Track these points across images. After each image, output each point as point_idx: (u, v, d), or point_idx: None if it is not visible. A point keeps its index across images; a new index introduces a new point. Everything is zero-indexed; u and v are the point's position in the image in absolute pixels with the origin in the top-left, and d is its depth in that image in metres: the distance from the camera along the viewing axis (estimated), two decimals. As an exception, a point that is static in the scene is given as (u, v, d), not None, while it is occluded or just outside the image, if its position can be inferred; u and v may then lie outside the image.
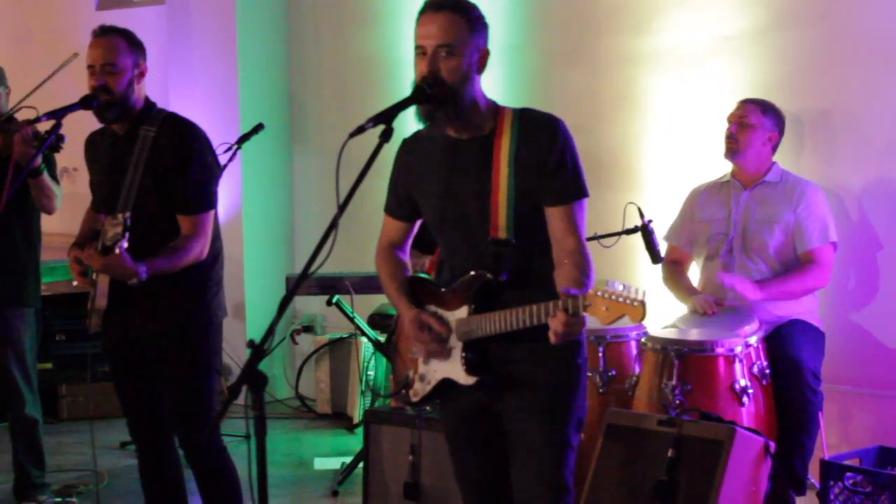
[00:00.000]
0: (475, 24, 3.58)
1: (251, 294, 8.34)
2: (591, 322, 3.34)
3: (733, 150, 5.66)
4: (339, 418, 7.95)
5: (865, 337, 5.95)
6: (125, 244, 4.31)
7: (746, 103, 5.71)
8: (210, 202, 4.65)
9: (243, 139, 7.05)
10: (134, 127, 4.62)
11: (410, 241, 3.96)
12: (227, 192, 8.02)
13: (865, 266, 5.96)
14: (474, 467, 3.84)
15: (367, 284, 6.63)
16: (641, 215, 5.42)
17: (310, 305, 8.33)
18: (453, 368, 3.67)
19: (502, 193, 3.58)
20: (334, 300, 6.56)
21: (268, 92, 8.50)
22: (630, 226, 5.46)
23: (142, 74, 4.66)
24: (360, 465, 5.82)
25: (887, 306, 5.91)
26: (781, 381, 5.25)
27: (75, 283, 4.77)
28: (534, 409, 3.63)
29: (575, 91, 6.99)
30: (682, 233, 5.87)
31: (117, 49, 4.58)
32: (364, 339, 7.12)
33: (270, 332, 3.12)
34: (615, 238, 5.49)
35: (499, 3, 7.17)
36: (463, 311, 3.65)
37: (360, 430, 6.65)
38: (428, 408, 4.32)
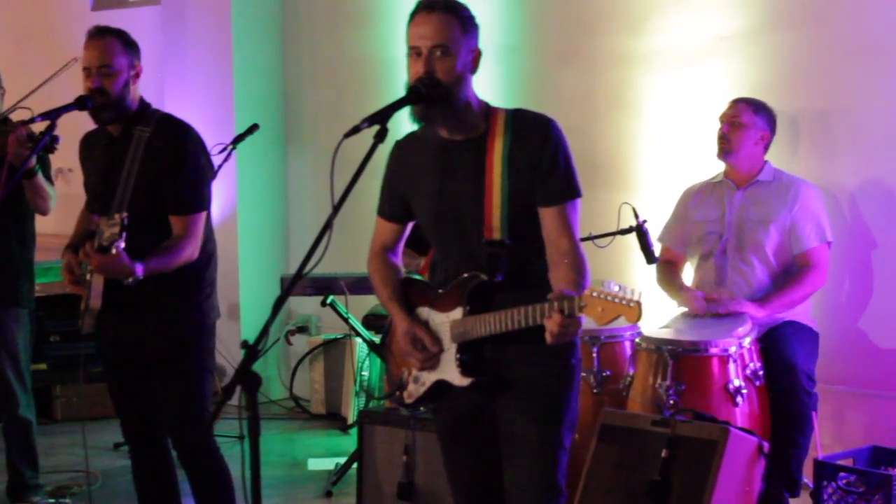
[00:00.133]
0: (468, 24, 3.59)
1: (246, 295, 8.33)
2: (587, 322, 3.34)
3: (726, 150, 5.66)
4: (333, 419, 7.94)
5: (859, 337, 5.96)
6: (122, 244, 4.30)
7: (738, 103, 5.70)
8: (202, 203, 4.65)
9: (238, 140, 7.04)
10: (129, 127, 4.63)
11: (403, 244, 3.96)
12: (222, 192, 8.02)
13: (860, 266, 5.96)
14: (467, 468, 3.84)
15: (361, 285, 6.63)
16: (636, 215, 5.42)
17: (304, 306, 8.32)
18: (448, 370, 3.67)
19: (496, 194, 3.58)
20: (329, 301, 6.55)
21: (263, 92, 8.50)
22: (625, 226, 5.47)
23: (137, 75, 4.66)
24: (355, 465, 5.81)
25: (882, 306, 5.91)
26: (776, 382, 5.25)
27: (67, 289, 4.77)
28: (527, 410, 3.63)
29: (570, 91, 6.99)
30: (676, 233, 5.87)
31: (113, 51, 4.58)
32: (358, 340, 7.11)
33: (264, 332, 3.12)
34: (610, 238, 5.49)
35: (494, 3, 7.17)
36: (457, 313, 3.65)
37: (354, 431, 6.66)
38: (422, 409, 4.31)
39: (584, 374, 5.27)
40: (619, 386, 5.36)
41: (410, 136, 3.82)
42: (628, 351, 5.47)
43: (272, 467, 6.81)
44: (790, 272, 5.56)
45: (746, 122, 5.62)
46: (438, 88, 3.52)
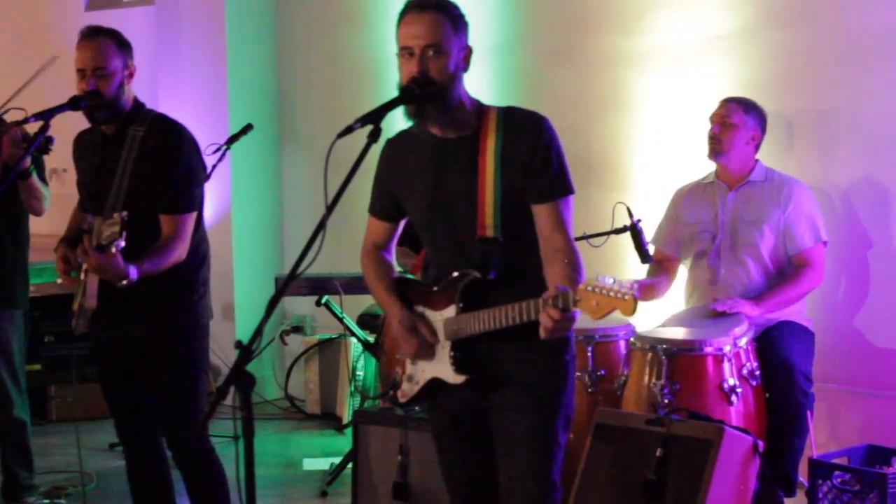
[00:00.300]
0: (458, 22, 3.59)
1: (240, 295, 8.34)
2: (583, 317, 3.34)
3: (717, 150, 5.65)
4: (328, 419, 7.95)
5: (854, 335, 5.96)
6: (122, 243, 4.29)
7: (728, 102, 5.69)
8: (193, 204, 4.65)
9: (232, 140, 7.04)
10: (123, 127, 4.62)
11: (395, 242, 3.96)
12: (217, 192, 8.02)
13: (855, 265, 5.96)
14: (462, 466, 3.84)
15: (355, 285, 6.62)
16: (630, 215, 5.42)
17: (299, 306, 8.32)
18: (442, 368, 3.68)
19: (489, 192, 3.58)
20: (323, 301, 6.56)
21: (257, 92, 8.50)
22: (619, 225, 5.46)
23: (131, 75, 4.66)
24: (350, 465, 5.81)
25: (877, 305, 5.92)
26: (773, 382, 5.24)
27: (59, 280, 4.76)
28: (522, 406, 3.63)
29: (564, 91, 6.99)
30: (668, 235, 5.85)
31: (107, 52, 4.58)
32: (353, 340, 7.12)
33: (258, 332, 3.11)
34: (604, 238, 5.49)
35: (488, 3, 7.17)
36: (451, 311, 3.65)
37: (349, 431, 6.65)
38: (417, 408, 4.32)
39: (578, 374, 5.27)
40: (613, 385, 5.36)
41: (402, 134, 3.82)
42: (623, 350, 5.47)
43: (267, 467, 6.81)
44: (785, 272, 5.56)
45: (737, 122, 5.61)
46: (432, 87, 3.52)
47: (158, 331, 4.67)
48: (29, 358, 6.28)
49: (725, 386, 5.06)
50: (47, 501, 6.09)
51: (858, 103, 5.94)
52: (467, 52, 3.63)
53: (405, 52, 3.57)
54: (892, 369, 5.85)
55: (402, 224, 3.91)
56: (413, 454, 5.18)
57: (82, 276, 4.62)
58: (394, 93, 3.55)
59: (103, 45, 4.58)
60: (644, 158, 6.70)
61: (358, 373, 7.50)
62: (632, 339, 5.32)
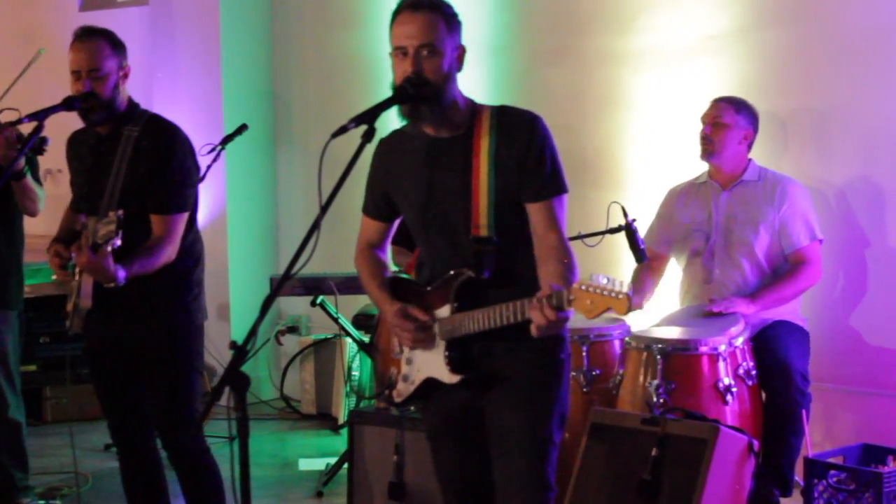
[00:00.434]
0: (452, 22, 3.59)
1: (235, 295, 8.33)
2: (578, 316, 3.34)
3: (709, 151, 5.63)
4: (323, 419, 7.95)
5: (850, 335, 5.96)
6: (118, 241, 4.28)
7: (719, 102, 5.67)
8: (184, 204, 4.64)
9: (227, 140, 7.03)
10: (117, 127, 4.62)
11: (389, 241, 3.96)
12: (211, 193, 8.01)
13: (851, 264, 5.96)
14: (456, 466, 3.84)
15: (351, 285, 6.62)
16: (625, 214, 5.41)
17: (294, 306, 8.32)
18: (437, 367, 3.67)
19: (483, 192, 3.58)
20: (318, 301, 6.55)
21: (251, 93, 8.50)
22: (614, 225, 5.46)
23: (125, 76, 4.66)
24: (345, 465, 5.81)
25: (873, 304, 5.92)
26: (770, 382, 5.24)
27: (54, 276, 4.75)
28: (516, 404, 3.64)
29: (559, 90, 6.99)
30: (659, 234, 5.84)
31: (101, 53, 4.57)
32: (348, 340, 7.11)
33: (253, 333, 3.11)
34: (599, 237, 5.49)
35: (483, 3, 7.17)
36: (445, 310, 3.65)
37: (344, 431, 6.65)
38: (412, 408, 4.32)
39: (573, 374, 5.27)
40: (608, 385, 5.36)
41: (395, 134, 3.82)
42: (618, 350, 5.46)
43: (263, 468, 6.81)
44: (781, 271, 5.56)
45: (729, 123, 5.60)
46: (426, 87, 3.52)
47: (153, 331, 4.67)
48: (24, 359, 6.28)
49: (721, 385, 5.06)
50: (42, 502, 6.09)
51: (853, 102, 5.94)
52: (461, 51, 3.63)
53: (399, 51, 3.56)
54: (888, 368, 5.85)
55: (396, 223, 3.91)
56: (408, 454, 5.18)
57: (77, 276, 4.62)
58: (388, 93, 3.54)
59: (98, 46, 4.58)
60: (639, 158, 6.70)
61: (353, 373, 7.50)
62: (627, 339, 5.32)
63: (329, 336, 7.92)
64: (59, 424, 7.71)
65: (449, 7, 3.61)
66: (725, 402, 5.05)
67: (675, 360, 5.08)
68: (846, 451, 5.23)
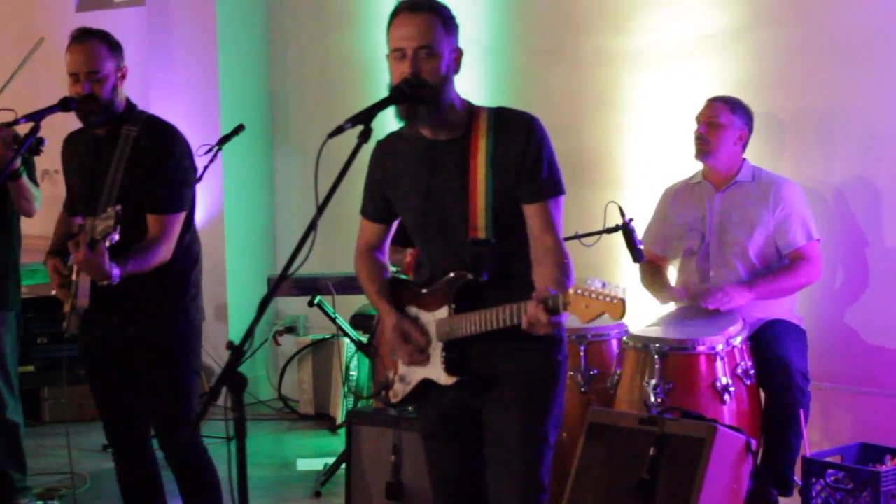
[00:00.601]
0: (450, 24, 3.60)
1: (233, 295, 8.33)
2: (572, 320, 3.35)
3: (704, 151, 5.62)
4: (321, 419, 7.94)
5: (848, 334, 5.96)
6: (116, 236, 4.28)
7: (715, 102, 5.66)
8: (181, 205, 4.64)
9: (224, 140, 7.03)
10: (115, 128, 4.62)
11: (388, 242, 3.96)
12: (209, 193, 8.01)
13: (849, 263, 5.96)
14: (450, 466, 3.84)
15: (348, 285, 6.62)
16: (622, 214, 5.41)
17: (292, 307, 8.31)
18: (433, 369, 3.68)
19: (481, 194, 3.59)
20: (316, 301, 6.55)
21: (248, 93, 8.49)
22: (611, 225, 5.46)
23: (123, 76, 4.67)
24: (343, 465, 5.81)
25: (871, 304, 5.91)
26: (770, 382, 5.24)
27: (54, 293, 4.77)
28: (512, 404, 3.64)
29: (556, 90, 6.99)
30: (658, 235, 5.84)
31: (99, 55, 4.57)
32: (346, 340, 7.11)
33: (250, 333, 3.11)
34: (596, 237, 5.49)
35: (480, 3, 7.17)
36: (443, 312, 3.65)
37: (342, 431, 6.65)
38: (410, 408, 4.32)
39: (571, 373, 5.27)
40: (606, 384, 5.36)
41: (392, 136, 3.82)
42: (615, 349, 5.47)
43: (261, 468, 6.81)
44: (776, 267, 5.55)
45: (724, 123, 5.58)
46: (424, 89, 3.52)
47: (151, 331, 4.67)
48: (21, 359, 6.28)
49: (718, 385, 5.06)
50: (40, 503, 6.09)
51: (850, 101, 5.94)
52: (458, 53, 3.63)
53: (397, 53, 3.56)
54: (886, 368, 5.85)
55: (394, 225, 3.92)
56: (406, 454, 5.19)
57: (74, 276, 4.62)
58: (385, 93, 3.54)
59: (95, 48, 4.58)
60: (636, 157, 6.70)
61: (351, 373, 7.50)
62: (624, 339, 5.32)
63: (327, 336, 7.92)
64: (57, 425, 7.71)
65: (447, 9, 3.62)
66: (723, 402, 5.05)
67: (673, 360, 5.08)
68: (844, 450, 5.23)
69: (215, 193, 8.22)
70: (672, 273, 5.85)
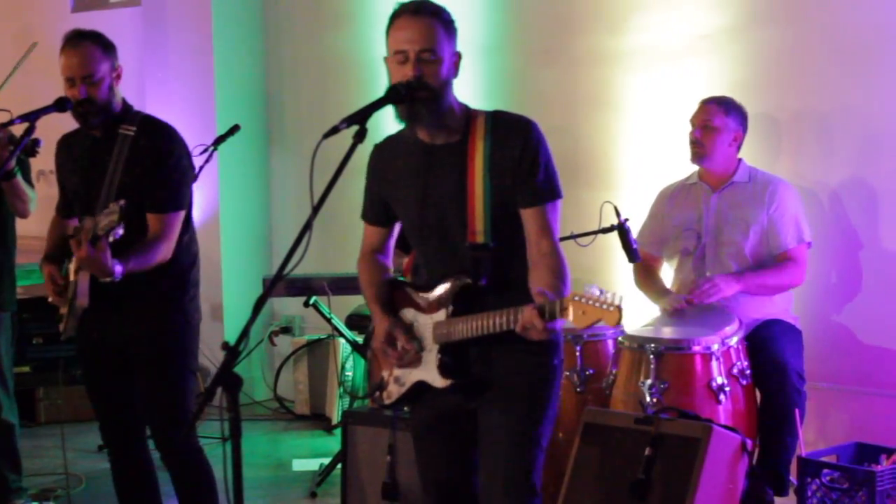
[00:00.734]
0: (450, 28, 3.60)
1: (229, 296, 8.32)
2: (568, 325, 3.36)
3: (700, 154, 5.62)
4: (317, 419, 7.94)
5: (843, 334, 5.96)
6: (121, 231, 4.28)
7: (708, 104, 5.64)
8: (181, 203, 4.65)
9: (219, 140, 7.03)
10: (112, 127, 4.62)
11: (392, 244, 3.97)
12: (204, 193, 8.00)
13: (845, 264, 5.96)
14: (440, 468, 3.84)
15: (344, 285, 6.62)
16: (618, 214, 5.41)
17: (288, 307, 8.31)
18: (428, 371, 3.68)
19: (478, 198, 3.59)
20: (311, 301, 6.55)
21: (244, 93, 8.49)
22: (606, 225, 5.46)
23: (118, 76, 4.67)
24: (339, 465, 5.81)
25: (867, 303, 5.91)
26: (767, 382, 5.24)
27: (50, 300, 4.77)
28: (506, 407, 3.64)
29: (551, 90, 6.99)
30: (652, 236, 5.83)
31: (93, 58, 4.57)
32: (342, 341, 7.12)
33: (245, 333, 3.12)
34: (591, 237, 5.48)
35: (475, 3, 7.17)
36: (441, 315, 3.66)
37: (338, 431, 6.65)
38: (405, 408, 4.32)
39: (567, 373, 5.27)
40: (602, 384, 5.36)
41: (389, 139, 3.83)
42: (611, 349, 5.47)
43: (257, 468, 6.81)
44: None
45: (719, 126, 5.58)
46: (425, 91, 3.52)
47: (149, 331, 4.67)
48: (17, 360, 6.26)
49: (714, 385, 5.06)
50: (35, 503, 6.09)
51: (846, 102, 5.93)
52: (457, 58, 3.63)
53: (399, 55, 3.56)
54: (881, 367, 5.85)
55: (396, 227, 3.92)
56: (402, 454, 5.18)
57: (72, 276, 4.62)
58: (380, 94, 3.55)
59: (89, 51, 4.57)
60: (631, 157, 6.70)
61: (347, 373, 7.50)
62: (620, 339, 5.32)
63: (322, 336, 7.92)
64: (53, 426, 7.70)
65: (447, 13, 3.62)
66: (718, 402, 5.06)
67: (668, 360, 5.08)
68: (839, 449, 5.23)
69: (211, 194, 8.22)
70: (668, 273, 5.84)
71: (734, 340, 5.18)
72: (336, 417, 7.49)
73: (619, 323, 3.23)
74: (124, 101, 4.71)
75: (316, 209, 3.28)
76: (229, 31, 8.39)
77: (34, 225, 6.30)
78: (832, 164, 6.00)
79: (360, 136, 3.40)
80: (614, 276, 6.43)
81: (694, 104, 5.74)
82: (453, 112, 3.64)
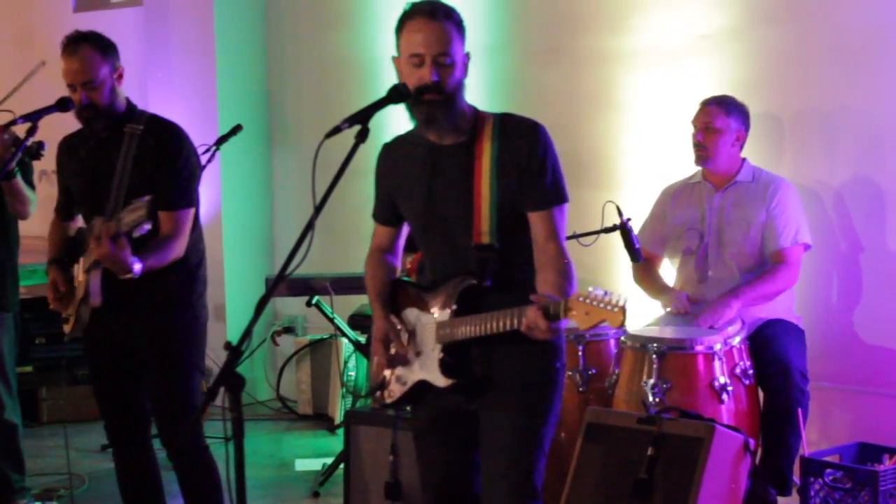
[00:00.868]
0: (461, 29, 3.60)
1: (231, 296, 8.32)
2: (571, 325, 3.36)
3: (703, 157, 5.62)
4: (320, 419, 7.94)
5: (846, 334, 5.96)
6: (148, 226, 4.29)
7: (709, 106, 5.64)
8: (192, 200, 4.67)
9: (222, 140, 7.03)
10: (118, 126, 4.62)
11: (401, 245, 3.97)
12: (206, 193, 7.95)
13: (848, 264, 5.96)
14: (440, 467, 3.84)
15: (346, 285, 6.62)
16: (620, 214, 5.41)
17: (290, 307, 8.31)
18: (430, 371, 3.68)
19: (485, 198, 3.59)
20: (314, 301, 6.55)
21: (246, 93, 8.49)
22: (609, 224, 5.46)
23: (120, 77, 4.67)
24: (342, 465, 5.81)
25: (870, 303, 5.91)
26: (770, 381, 5.25)
27: (52, 307, 4.78)
28: (508, 410, 3.64)
29: (553, 90, 6.99)
30: (653, 234, 5.84)
31: (92, 63, 4.56)
32: (344, 340, 7.12)
33: (247, 333, 3.12)
34: (594, 237, 5.49)
35: (477, 2, 7.17)
36: (444, 314, 3.66)
37: (341, 431, 6.65)
38: (408, 408, 4.33)
39: (569, 373, 5.27)
40: (604, 384, 5.36)
41: (398, 139, 3.83)
42: (613, 349, 5.47)
43: (259, 468, 6.81)
44: (762, 270, 5.54)
45: (720, 127, 5.58)
46: (444, 95, 3.52)
47: (158, 329, 4.69)
48: (20, 360, 6.28)
49: (716, 384, 5.06)
50: (39, 503, 6.08)
51: (849, 101, 5.93)
52: (467, 58, 3.63)
53: (415, 58, 3.54)
54: (884, 367, 5.85)
55: (405, 228, 3.92)
56: (404, 454, 5.18)
57: (81, 276, 4.63)
58: (382, 94, 3.55)
59: (87, 56, 4.56)
60: (633, 157, 6.70)
61: (349, 373, 7.50)
62: (622, 338, 5.32)
63: (325, 336, 7.92)
64: (56, 426, 7.71)
65: (459, 14, 3.61)
66: (721, 401, 5.06)
67: (671, 360, 5.08)
68: (842, 449, 5.23)
69: (213, 194, 8.22)
70: (671, 273, 5.84)
71: (737, 340, 5.18)
72: (339, 417, 7.50)
73: (622, 324, 3.23)
74: (128, 101, 4.72)
75: (318, 209, 3.28)
76: (231, 30, 8.39)
77: (36, 225, 6.30)
78: (835, 163, 6.00)
79: (362, 136, 3.40)
80: (616, 276, 6.43)
81: (696, 104, 5.74)
82: (464, 113, 3.64)
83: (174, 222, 4.59)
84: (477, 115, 3.68)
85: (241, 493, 3.09)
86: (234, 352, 3.08)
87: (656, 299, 5.71)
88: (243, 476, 3.08)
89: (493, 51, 7.20)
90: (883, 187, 5.84)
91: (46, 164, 6.99)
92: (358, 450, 5.44)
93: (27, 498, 6.01)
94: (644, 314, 5.72)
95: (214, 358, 7.71)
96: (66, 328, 4.77)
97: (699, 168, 5.74)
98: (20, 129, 5.04)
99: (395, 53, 3.64)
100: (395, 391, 3.82)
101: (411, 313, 3.79)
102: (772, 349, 5.29)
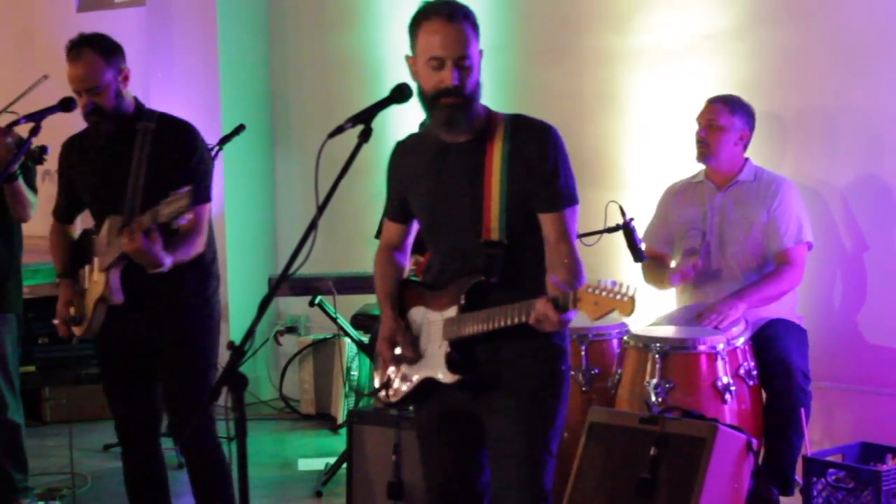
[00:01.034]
0: (477, 30, 3.61)
1: (235, 295, 8.32)
2: (581, 317, 3.36)
3: (705, 154, 5.62)
4: (323, 419, 7.94)
5: (849, 333, 5.96)
6: (190, 216, 4.29)
7: (714, 103, 5.64)
8: (208, 195, 4.71)
9: (225, 140, 7.03)
10: (128, 125, 4.63)
11: (410, 243, 3.98)
12: (209, 193, 8.01)
13: (850, 263, 5.95)
14: (445, 467, 3.84)
15: (349, 285, 6.63)
16: (623, 214, 5.41)
17: (293, 306, 8.32)
18: (436, 368, 3.68)
19: (495, 196, 3.60)
20: (317, 301, 6.55)
21: (249, 93, 8.50)
22: (612, 224, 5.46)
23: (125, 78, 4.67)
24: (344, 465, 5.81)
25: (872, 303, 5.91)
26: (772, 382, 5.24)
27: (56, 322, 4.79)
28: (515, 412, 3.65)
29: (556, 90, 6.99)
30: (659, 234, 5.83)
31: (95, 68, 4.56)
32: (347, 340, 7.12)
33: (250, 333, 3.13)
34: (597, 237, 5.49)
35: (481, 2, 7.15)
36: (452, 311, 3.67)
37: (343, 431, 6.65)
38: (411, 407, 4.33)
39: (572, 373, 5.26)
40: (607, 384, 5.36)
41: (410, 137, 3.86)
42: (616, 349, 5.46)
43: (262, 468, 6.81)
44: (766, 271, 5.54)
45: (724, 125, 5.57)
46: (461, 98, 3.53)
47: (175, 325, 4.72)
48: (23, 360, 6.28)
49: (719, 384, 5.06)
50: (42, 503, 6.09)
51: (851, 101, 5.93)
52: (481, 56, 3.64)
53: (434, 61, 3.53)
54: (887, 367, 5.85)
55: (415, 226, 3.93)
56: (407, 454, 5.18)
57: (96, 276, 4.63)
58: (385, 94, 3.55)
59: (91, 62, 4.56)
60: (636, 157, 6.70)
61: (352, 373, 7.50)
62: (625, 338, 5.32)
63: (328, 336, 7.92)
64: (59, 425, 7.71)
65: (474, 14, 3.61)
66: (724, 401, 5.05)
67: (674, 360, 5.08)
68: (845, 449, 5.23)
69: (216, 193, 8.11)
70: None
71: (741, 341, 5.17)
72: (342, 417, 7.50)
73: (631, 312, 3.23)
74: (136, 100, 4.73)
75: (321, 208, 3.28)
76: (234, 30, 8.40)
77: (40, 225, 6.29)
78: (837, 163, 5.99)
79: (365, 136, 3.41)
80: (619, 276, 6.40)
81: (699, 103, 5.74)
82: (479, 114, 3.65)
83: (195, 218, 4.59)
84: (489, 115, 3.68)
85: (244, 492, 3.10)
86: (237, 351, 3.09)
87: (667, 285, 5.68)
88: (246, 476, 3.09)
89: (496, 51, 7.18)
90: (886, 186, 5.84)
91: (50, 164, 7.01)
92: (361, 449, 5.44)
93: (30, 497, 6.01)
94: (647, 314, 5.72)
95: (217, 358, 7.73)
96: (77, 330, 4.77)
97: (702, 167, 5.73)
98: (23, 130, 5.04)
99: (408, 53, 3.63)
100: (399, 390, 3.82)
101: (418, 312, 3.79)
102: (774, 349, 5.29)
